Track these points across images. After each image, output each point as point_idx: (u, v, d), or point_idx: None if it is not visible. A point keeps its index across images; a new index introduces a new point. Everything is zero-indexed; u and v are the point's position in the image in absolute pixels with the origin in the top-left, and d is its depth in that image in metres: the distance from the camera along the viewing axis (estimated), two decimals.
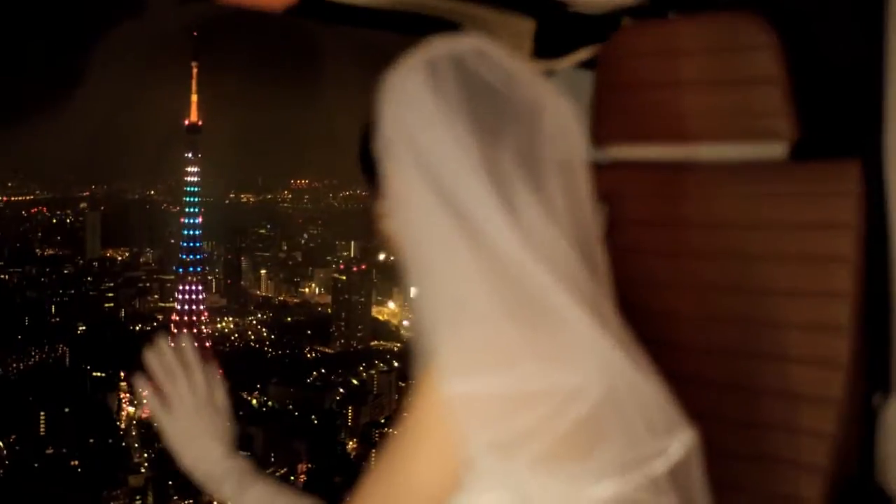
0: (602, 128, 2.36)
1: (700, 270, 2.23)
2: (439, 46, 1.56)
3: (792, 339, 2.11)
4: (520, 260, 1.48)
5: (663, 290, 2.29)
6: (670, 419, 1.57)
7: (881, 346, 2.10)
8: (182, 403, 1.89)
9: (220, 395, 1.93)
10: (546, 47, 2.60)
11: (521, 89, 1.54)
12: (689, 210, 2.24)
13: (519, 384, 1.44)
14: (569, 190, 1.57)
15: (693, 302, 2.24)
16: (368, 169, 1.63)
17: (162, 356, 1.91)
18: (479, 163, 1.49)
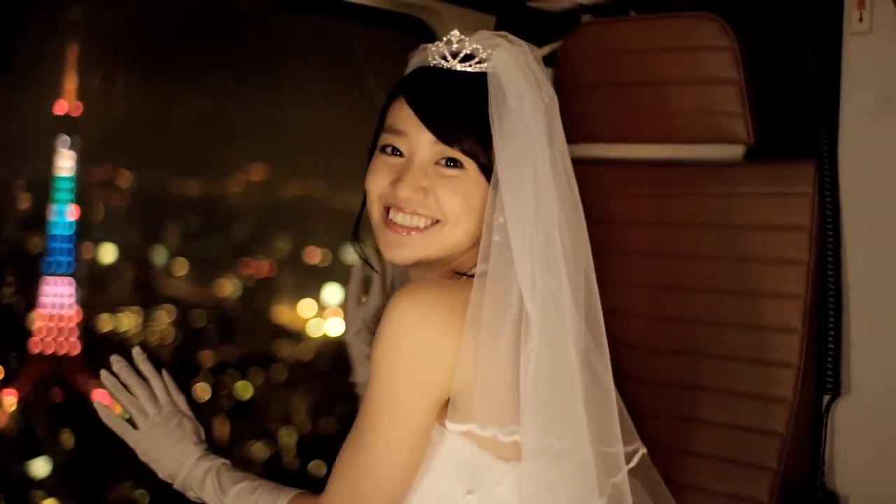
0: None
1: (653, 269, 2.41)
2: (519, 48, 1.82)
3: (744, 339, 2.29)
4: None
5: (615, 288, 2.43)
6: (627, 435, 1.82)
7: (832, 348, 2.27)
8: (146, 417, 1.99)
9: (181, 400, 2.03)
10: None
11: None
12: (644, 209, 2.42)
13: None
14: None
15: (645, 301, 2.42)
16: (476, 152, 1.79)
17: (116, 375, 2.00)
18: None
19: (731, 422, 2.29)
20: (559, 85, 2.50)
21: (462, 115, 1.77)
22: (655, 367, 2.39)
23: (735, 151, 2.34)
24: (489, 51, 1.77)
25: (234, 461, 2.03)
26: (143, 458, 1.99)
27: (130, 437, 1.99)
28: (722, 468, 2.30)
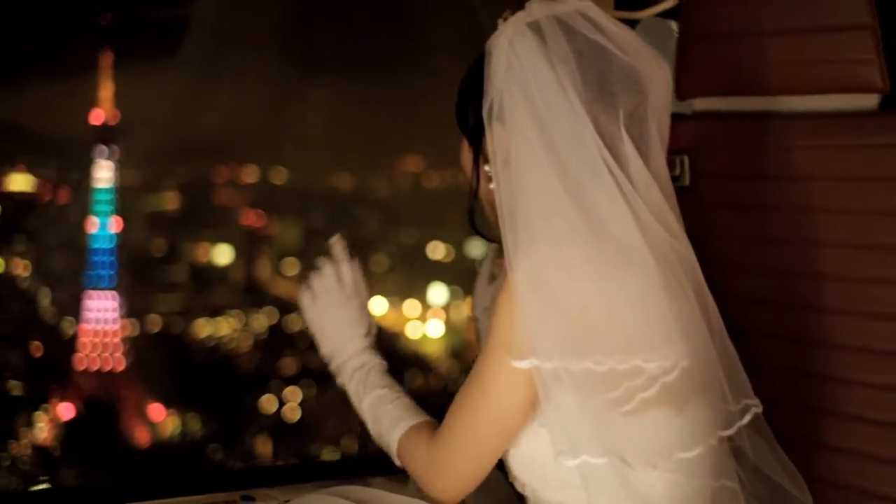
0: (686, 79, 2.86)
1: (784, 224, 2.69)
2: (538, 9, 2.05)
3: (886, 295, 2.54)
4: (621, 225, 1.96)
5: (745, 244, 2.77)
6: (741, 388, 2.05)
7: None
8: (327, 294, 2.42)
9: (364, 292, 2.45)
10: None
11: (624, 51, 2.02)
12: (774, 163, 2.71)
13: (608, 365, 1.92)
14: (660, 150, 2.08)
15: (776, 256, 2.71)
16: (466, 127, 2.19)
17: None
18: (592, 125, 1.97)
19: (874, 381, 2.53)
20: (684, 38, 2.83)
21: (461, 87, 2.20)
22: (786, 324, 2.67)
23: (870, 101, 2.59)
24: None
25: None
26: (311, 329, 2.41)
27: (307, 309, 2.42)
28: (867, 464, 2.54)
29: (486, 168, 2.13)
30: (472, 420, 2.03)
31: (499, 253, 2.61)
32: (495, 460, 2.09)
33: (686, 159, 2.83)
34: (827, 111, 2.65)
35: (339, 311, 2.38)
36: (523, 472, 2.09)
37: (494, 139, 2.04)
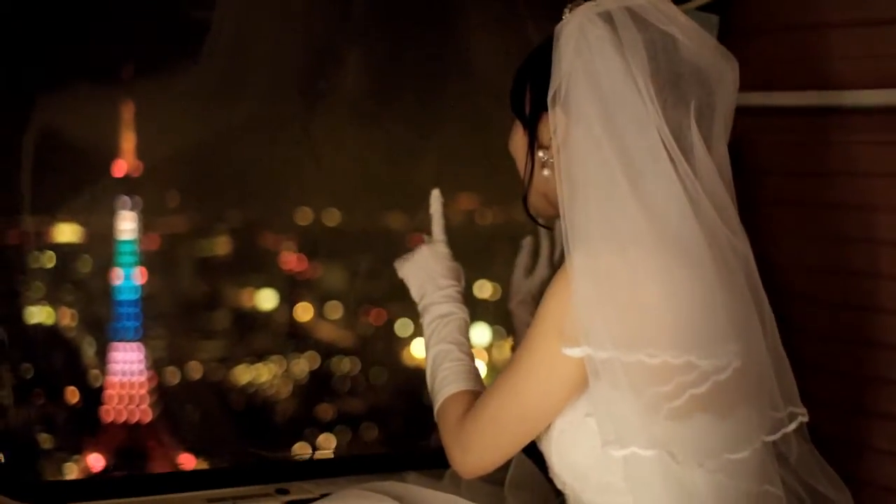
0: None
1: (833, 222, 2.67)
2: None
3: None
4: (680, 219, 1.97)
5: (789, 240, 2.75)
6: (790, 394, 2.05)
7: None
8: (431, 241, 2.47)
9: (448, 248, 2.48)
10: None
11: (696, 45, 2.06)
12: (825, 159, 2.68)
13: (661, 359, 1.91)
14: (723, 145, 2.10)
15: (824, 255, 2.69)
16: (522, 112, 2.20)
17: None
18: (661, 115, 1.99)
19: None
20: (728, 31, 2.82)
21: (520, 71, 2.22)
22: (838, 325, 2.64)
23: None
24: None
25: None
26: (402, 273, 2.44)
27: (402, 259, 2.46)
28: None
29: (540, 154, 2.15)
30: (508, 403, 2.04)
31: (535, 245, 2.66)
32: (519, 447, 2.11)
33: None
34: (878, 106, 2.61)
35: (427, 257, 2.41)
36: (565, 470, 2.09)
37: (556, 125, 2.05)
